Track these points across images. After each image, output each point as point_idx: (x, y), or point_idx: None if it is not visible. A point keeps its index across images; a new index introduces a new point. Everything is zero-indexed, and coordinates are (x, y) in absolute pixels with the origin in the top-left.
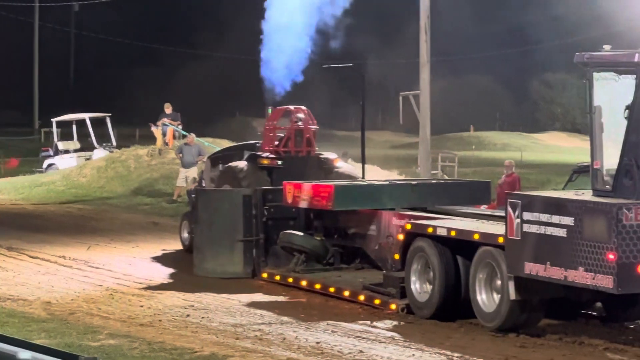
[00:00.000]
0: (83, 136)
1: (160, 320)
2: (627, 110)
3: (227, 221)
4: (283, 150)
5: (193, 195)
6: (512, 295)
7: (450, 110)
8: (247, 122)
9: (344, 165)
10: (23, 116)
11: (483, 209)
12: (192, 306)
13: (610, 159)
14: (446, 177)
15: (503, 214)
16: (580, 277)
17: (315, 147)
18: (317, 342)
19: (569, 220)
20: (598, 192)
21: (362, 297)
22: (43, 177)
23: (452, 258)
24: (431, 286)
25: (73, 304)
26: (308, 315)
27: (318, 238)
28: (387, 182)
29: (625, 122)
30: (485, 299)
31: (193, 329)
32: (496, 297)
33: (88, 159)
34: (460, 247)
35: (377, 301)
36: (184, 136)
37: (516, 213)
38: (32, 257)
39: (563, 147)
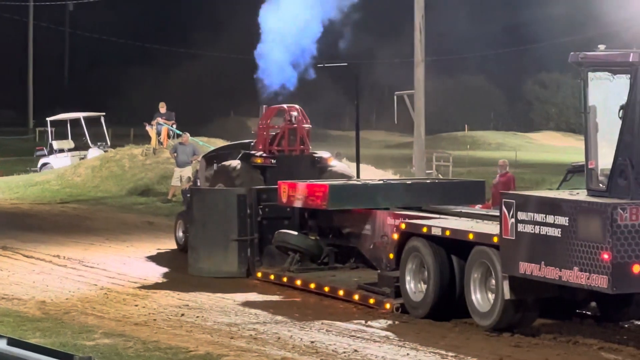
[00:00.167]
0: (78, 135)
1: (155, 320)
2: (621, 110)
3: (222, 220)
4: (277, 149)
5: (188, 195)
6: (507, 294)
7: (444, 110)
8: (241, 122)
9: (338, 165)
10: (18, 115)
11: (477, 209)
12: (187, 305)
13: (605, 159)
14: (441, 177)
15: (497, 214)
16: (574, 276)
17: (309, 146)
18: (312, 342)
19: (563, 220)
20: (593, 191)
21: (356, 297)
22: (37, 176)
23: (447, 258)
24: (426, 286)
25: (68, 303)
26: (303, 315)
27: (313, 237)
28: (382, 182)
29: (619, 122)
30: (479, 298)
31: (188, 328)
32: (491, 296)
33: (82, 159)
34: (455, 247)
35: (371, 301)
36: (179, 135)
37: (511, 213)
38: (27, 257)
39: (557, 147)
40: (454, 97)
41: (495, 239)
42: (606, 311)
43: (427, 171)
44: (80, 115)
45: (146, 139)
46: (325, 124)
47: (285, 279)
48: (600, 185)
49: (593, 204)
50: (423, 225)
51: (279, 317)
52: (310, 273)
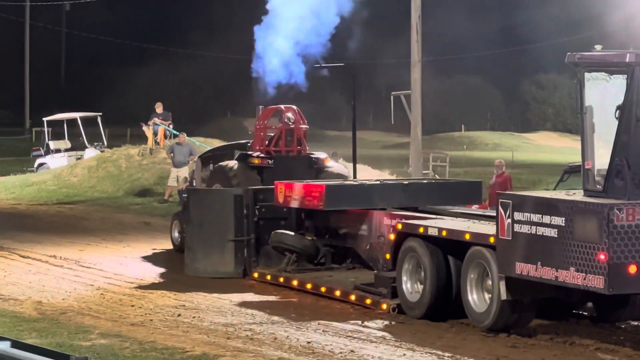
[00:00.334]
0: (74, 136)
1: (151, 320)
2: (618, 111)
3: (219, 221)
4: (274, 150)
5: (184, 195)
6: (503, 295)
7: (441, 110)
8: (238, 122)
9: (334, 165)
10: (14, 115)
11: (474, 209)
12: (183, 306)
13: (602, 159)
14: (437, 177)
15: (494, 214)
16: (571, 277)
17: (306, 146)
18: (308, 342)
19: (560, 221)
20: (589, 192)
21: (353, 297)
22: (34, 176)
23: (444, 258)
24: (422, 286)
25: (64, 304)
26: (299, 315)
27: (309, 238)
28: (379, 182)
29: (616, 122)
30: (476, 299)
31: (184, 329)
32: (487, 297)
33: (79, 159)
34: (452, 247)
35: (368, 301)
36: (175, 136)
37: (507, 213)
38: (23, 257)
39: (554, 147)
40: (450, 97)
41: (492, 240)
42: (602, 312)
43: (424, 171)
44: (76, 115)
45: (143, 139)
46: (322, 125)
47: (281, 280)
48: (597, 185)
49: (589, 204)
50: (420, 226)
51: (276, 318)
52: (306, 273)
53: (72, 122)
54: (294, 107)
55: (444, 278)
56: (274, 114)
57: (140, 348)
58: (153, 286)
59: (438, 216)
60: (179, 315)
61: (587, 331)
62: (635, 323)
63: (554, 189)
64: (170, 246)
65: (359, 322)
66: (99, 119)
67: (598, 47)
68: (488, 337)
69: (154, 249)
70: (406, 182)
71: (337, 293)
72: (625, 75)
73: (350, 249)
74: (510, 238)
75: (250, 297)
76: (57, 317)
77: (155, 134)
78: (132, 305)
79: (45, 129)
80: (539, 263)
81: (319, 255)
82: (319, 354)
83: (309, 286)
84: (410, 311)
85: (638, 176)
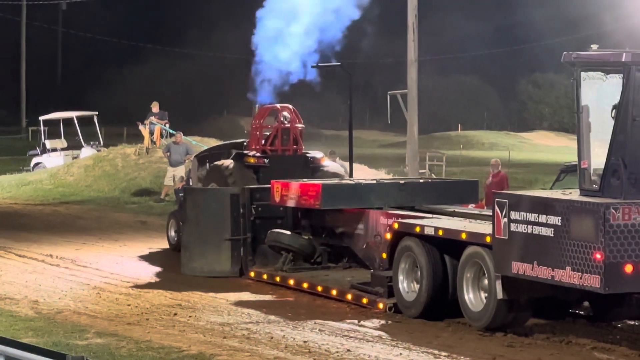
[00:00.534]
0: (70, 135)
1: (147, 319)
2: (614, 110)
3: (215, 220)
4: (270, 149)
5: (181, 194)
6: (500, 294)
7: (438, 110)
8: (235, 121)
9: (331, 164)
10: (10, 115)
11: (471, 208)
12: (180, 305)
13: (598, 159)
14: (434, 177)
15: (490, 214)
16: (567, 276)
17: (302, 145)
18: (305, 341)
19: (556, 220)
20: (585, 191)
21: (349, 296)
22: (30, 175)
23: (440, 257)
24: (419, 285)
25: (60, 303)
26: (295, 314)
27: (306, 237)
28: (375, 181)
29: (612, 122)
30: (472, 298)
31: (180, 328)
32: (484, 296)
33: (75, 158)
34: (448, 247)
35: (364, 300)
36: (172, 135)
37: (503, 212)
38: (20, 256)
39: (551, 147)
40: (447, 96)
41: (488, 239)
42: (599, 311)
43: (421, 171)
44: (73, 114)
45: (139, 138)
46: (319, 124)
47: (278, 279)
48: (593, 185)
49: (586, 203)
50: (416, 225)
51: (272, 317)
52: (303, 273)
53: (68, 121)
54: (290, 106)
55: (441, 277)
56: (270, 113)
57: (137, 347)
58: (149, 285)
59: (434, 215)
60: (175, 314)
61: (583, 330)
62: (632, 322)
63: (551, 189)
64: (166, 245)
65: (356, 321)
66: (95, 118)
67: (594, 46)
68: (484, 336)
69: (150, 248)
70: (403, 182)
71: (334, 292)
72: (622, 75)
73: (347, 248)
74: (506, 237)
75: (246, 296)
76: (53, 317)
77: (151, 133)
78: (129, 305)
79: (42, 128)
80: (535, 262)
81: (315, 254)
82: (315, 353)
83: (305, 285)
84: (407, 310)
85: (634, 175)
